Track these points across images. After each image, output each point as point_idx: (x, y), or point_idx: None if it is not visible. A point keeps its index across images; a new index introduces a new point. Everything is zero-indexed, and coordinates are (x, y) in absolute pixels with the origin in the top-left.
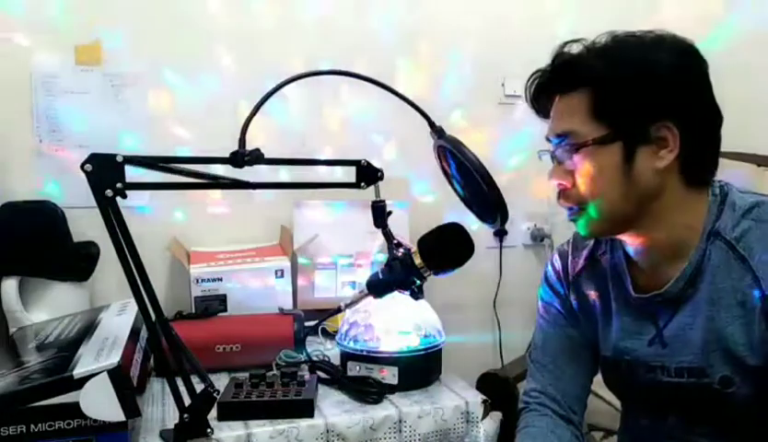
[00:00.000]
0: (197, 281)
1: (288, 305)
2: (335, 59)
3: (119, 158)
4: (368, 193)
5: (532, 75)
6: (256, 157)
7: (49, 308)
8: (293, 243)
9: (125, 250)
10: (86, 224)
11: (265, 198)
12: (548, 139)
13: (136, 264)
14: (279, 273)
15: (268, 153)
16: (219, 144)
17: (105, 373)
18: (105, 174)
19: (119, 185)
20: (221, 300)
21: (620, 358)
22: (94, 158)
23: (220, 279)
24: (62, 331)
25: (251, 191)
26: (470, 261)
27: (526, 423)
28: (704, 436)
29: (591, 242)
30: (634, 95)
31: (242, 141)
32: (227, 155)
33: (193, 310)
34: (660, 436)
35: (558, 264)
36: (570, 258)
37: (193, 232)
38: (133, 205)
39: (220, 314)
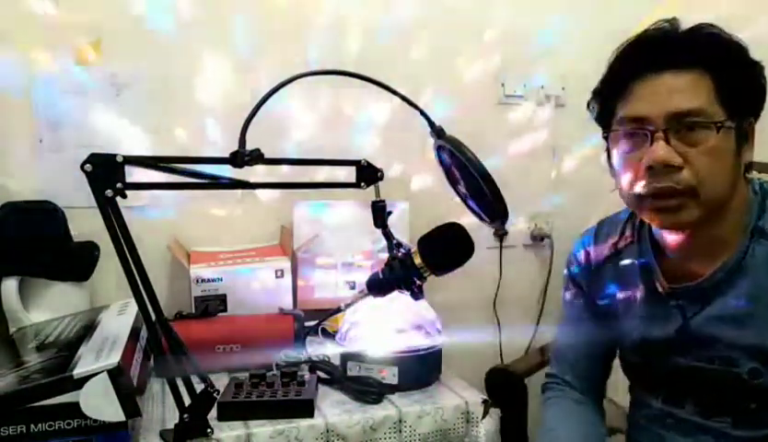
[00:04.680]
0: (197, 281)
1: (288, 305)
2: (337, 59)
3: (119, 158)
4: (369, 193)
5: (632, 43)
6: (256, 157)
7: (49, 308)
8: (293, 243)
9: (125, 250)
10: (86, 224)
11: (265, 198)
12: (635, 120)
13: (136, 264)
14: (279, 273)
15: (268, 153)
16: (220, 143)
17: (105, 373)
18: (105, 174)
19: (119, 185)
20: (221, 300)
21: (643, 345)
22: (94, 158)
23: (220, 279)
24: (62, 331)
25: (252, 191)
26: (470, 261)
27: (549, 396)
28: (720, 424)
29: (617, 232)
30: (752, 86)
31: (242, 141)
32: (227, 155)
33: (193, 310)
34: (673, 422)
35: (581, 254)
36: (593, 247)
37: (194, 232)
38: (134, 205)
39: (220, 314)
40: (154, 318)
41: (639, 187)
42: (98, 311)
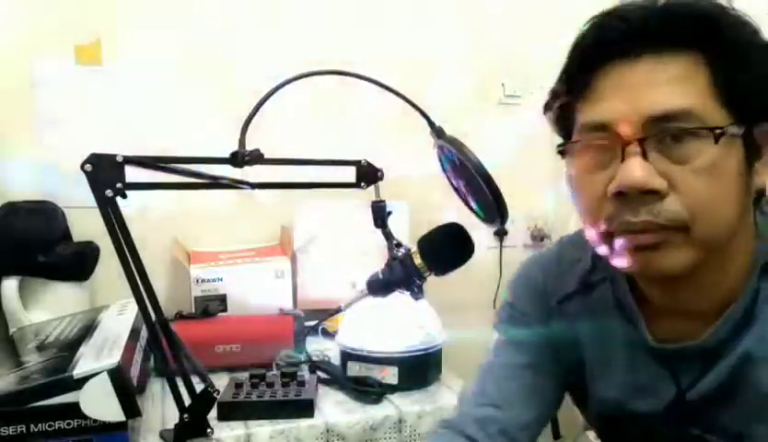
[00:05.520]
0: (197, 281)
1: (288, 305)
2: (336, 58)
3: (119, 158)
4: (369, 193)
5: (596, 23)
6: (256, 158)
7: (49, 308)
8: (293, 243)
9: (125, 250)
10: (85, 224)
11: (266, 198)
12: (601, 127)
13: (136, 264)
14: (279, 274)
15: (268, 153)
16: (220, 144)
17: (105, 373)
18: (105, 174)
19: (119, 185)
20: (221, 300)
21: (621, 418)
22: (94, 158)
23: (220, 279)
24: (62, 331)
25: (252, 191)
26: (470, 261)
27: None
28: None
29: (587, 261)
30: (762, 76)
31: (242, 141)
32: (227, 155)
33: (194, 310)
34: None
35: (539, 278)
36: (555, 274)
37: (194, 232)
38: (134, 205)
39: (220, 314)
40: (154, 318)
41: (604, 222)
42: (98, 311)
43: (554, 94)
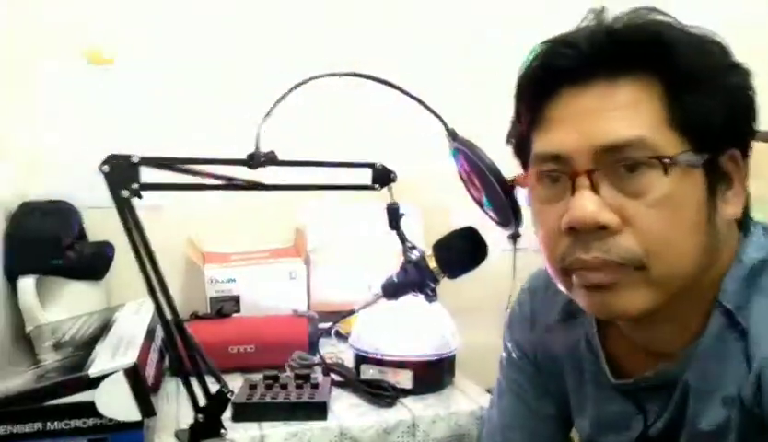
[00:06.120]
0: (211, 281)
1: (302, 306)
2: (353, 59)
3: (134, 159)
4: (383, 196)
5: (544, 50)
6: (271, 159)
7: (65, 306)
8: (307, 244)
9: (141, 250)
10: (101, 223)
11: (280, 199)
12: (552, 158)
13: (152, 265)
14: (293, 275)
15: (280, 155)
16: (233, 144)
17: (121, 372)
18: (121, 175)
19: (135, 186)
20: (235, 301)
21: None
22: (111, 159)
23: (233, 280)
24: (78, 329)
25: (266, 192)
26: (483, 265)
27: None
28: None
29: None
30: (730, 103)
31: (257, 143)
32: (242, 156)
33: (208, 311)
34: None
35: (527, 308)
36: (542, 299)
37: (208, 232)
38: (149, 205)
39: (234, 315)
40: (169, 318)
41: (559, 259)
42: (113, 310)
43: (512, 124)
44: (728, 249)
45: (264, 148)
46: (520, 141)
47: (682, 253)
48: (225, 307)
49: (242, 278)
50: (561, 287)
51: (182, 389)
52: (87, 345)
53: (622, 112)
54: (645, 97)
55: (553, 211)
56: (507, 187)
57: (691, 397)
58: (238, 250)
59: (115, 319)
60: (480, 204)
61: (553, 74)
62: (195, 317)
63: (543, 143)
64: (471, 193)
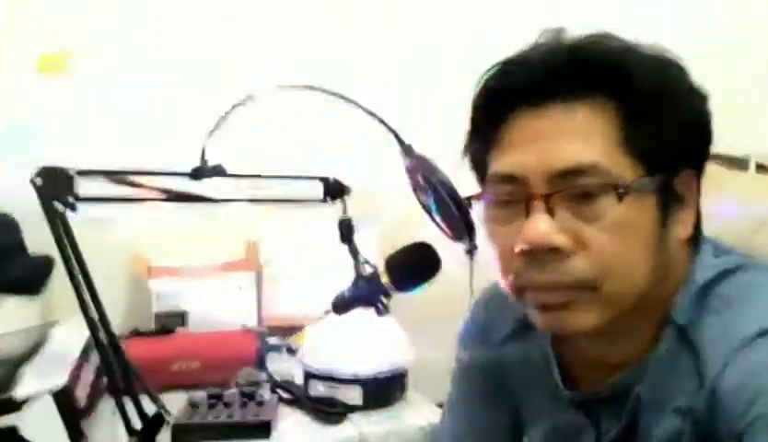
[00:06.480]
0: (157, 297)
1: (253, 322)
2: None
3: (71, 172)
4: (339, 209)
5: (499, 69)
6: (217, 172)
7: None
8: (260, 258)
9: (74, 266)
10: (39, 236)
11: (232, 212)
12: (508, 178)
13: (85, 280)
14: (242, 288)
15: (237, 167)
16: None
17: (49, 395)
18: (56, 187)
19: (70, 199)
20: (182, 317)
21: None
22: (45, 171)
23: (181, 295)
24: (7, 347)
25: (220, 205)
26: (441, 278)
27: None
28: None
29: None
30: (684, 124)
31: (203, 156)
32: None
33: (153, 327)
34: None
35: (480, 321)
36: (496, 309)
37: (157, 246)
38: (95, 218)
39: (180, 330)
40: (103, 336)
41: (513, 277)
42: (49, 326)
43: (468, 139)
44: (679, 265)
45: (218, 160)
46: (476, 158)
47: (634, 274)
48: (169, 322)
49: (189, 293)
50: (513, 303)
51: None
52: (16, 364)
53: (577, 137)
54: (600, 121)
55: (508, 231)
56: (463, 207)
57: (643, 408)
58: (189, 264)
59: (50, 336)
60: (434, 220)
61: (510, 94)
62: (136, 334)
63: (499, 164)
64: (423, 208)
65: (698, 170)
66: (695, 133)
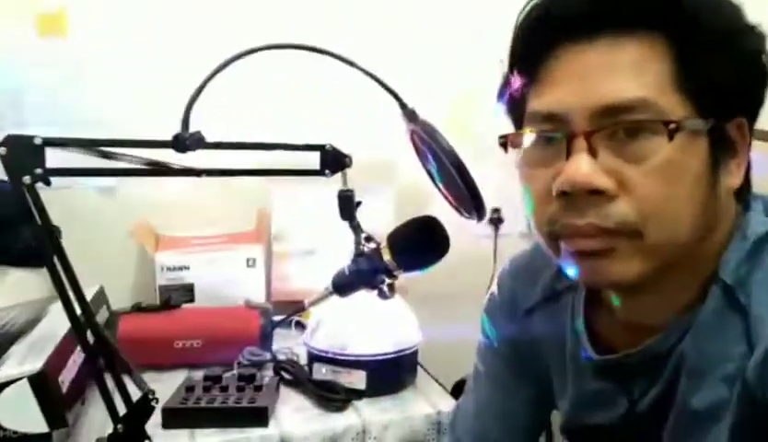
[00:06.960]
0: (162, 269)
1: (261, 296)
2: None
3: (37, 141)
4: (356, 176)
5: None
6: (196, 141)
7: (5, 294)
8: (271, 228)
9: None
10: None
11: (241, 180)
12: (548, 117)
13: (60, 256)
14: (251, 262)
15: (240, 135)
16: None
17: (25, 380)
18: (22, 158)
19: (38, 171)
20: (188, 290)
21: (584, 432)
22: (10, 141)
23: (187, 267)
24: (6, 323)
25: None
26: (462, 250)
27: None
28: None
29: (553, 267)
30: (741, 67)
31: (185, 123)
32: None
33: (158, 301)
34: None
35: (506, 291)
36: (524, 281)
37: (164, 215)
38: (101, 187)
39: (185, 305)
40: (79, 313)
41: (549, 224)
42: (51, 301)
43: (506, 80)
44: (727, 221)
45: (228, 130)
46: (514, 98)
47: (680, 222)
48: (174, 297)
49: (196, 265)
50: (550, 254)
51: (117, 391)
52: (11, 341)
53: (626, 72)
54: (650, 57)
55: (545, 174)
56: (467, 175)
57: (683, 373)
58: (198, 234)
59: (47, 313)
60: (440, 191)
61: (555, 27)
62: (138, 309)
63: (540, 101)
64: (432, 179)
65: (752, 118)
66: (753, 74)
